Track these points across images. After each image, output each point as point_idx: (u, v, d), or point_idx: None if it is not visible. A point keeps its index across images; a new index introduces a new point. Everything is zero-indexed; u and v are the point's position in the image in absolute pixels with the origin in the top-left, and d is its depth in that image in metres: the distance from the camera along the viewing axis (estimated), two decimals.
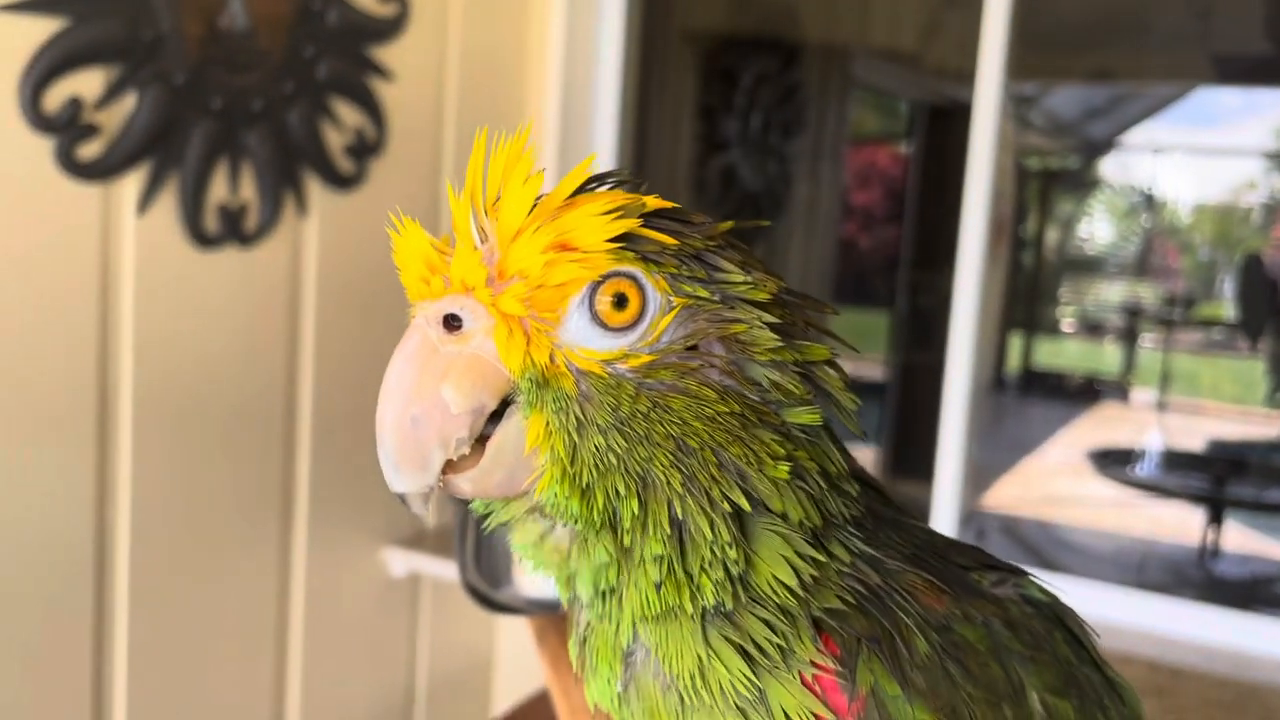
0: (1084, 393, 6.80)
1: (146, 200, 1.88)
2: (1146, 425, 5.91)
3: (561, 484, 0.54)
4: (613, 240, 0.53)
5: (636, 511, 0.54)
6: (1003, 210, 6.15)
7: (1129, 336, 6.62)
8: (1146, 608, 2.26)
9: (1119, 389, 6.70)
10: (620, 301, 0.54)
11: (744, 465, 0.55)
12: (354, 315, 2.24)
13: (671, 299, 0.54)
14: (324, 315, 2.20)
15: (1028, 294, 7.04)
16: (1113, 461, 5.21)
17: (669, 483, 0.54)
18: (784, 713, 0.55)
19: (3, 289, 1.71)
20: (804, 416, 0.56)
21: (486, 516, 0.60)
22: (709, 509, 0.54)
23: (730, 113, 3.47)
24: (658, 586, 0.54)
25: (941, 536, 0.65)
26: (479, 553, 1.31)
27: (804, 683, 0.55)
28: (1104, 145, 6.75)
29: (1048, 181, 6.86)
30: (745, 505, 0.55)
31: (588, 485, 0.53)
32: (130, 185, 1.86)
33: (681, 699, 0.57)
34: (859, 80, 4.37)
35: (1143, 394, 6.41)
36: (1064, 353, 7.21)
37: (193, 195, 1.94)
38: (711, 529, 0.54)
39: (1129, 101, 6.20)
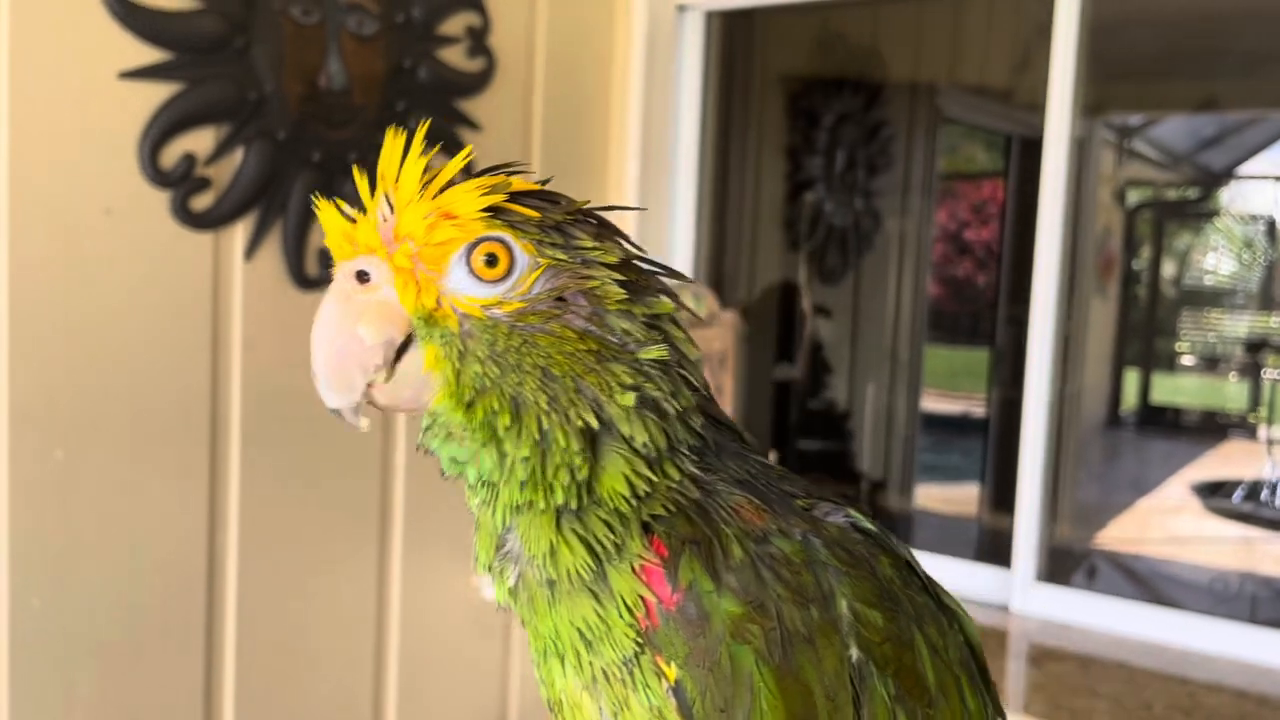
0: (1206, 429, 6.56)
1: (253, 246, 2.05)
2: (1271, 461, 5.67)
3: (449, 400, 0.67)
4: (486, 211, 0.67)
5: (509, 423, 0.67)
6: (1111, 245, 6.02)
7: (1253, 371, 6.37)
8: (1238, 637, 2.21)
9: (1243, 425, 6.44)
10: (492, 260, 0.67)
11: (599, 392, 0.68)
12: None
13: (538, 259, 0.68)
14: None
15: (1144, 329, 6.84)
16: (1223, 496, 5.02)
17: (537, 402, 0.67)
18: (621, 597, 0.68)
19: (126, 328, 1.90)
20: (653, 353, 0.69)
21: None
22: (566, 424, 0.67)
23: (814, 152, 3.54)
24: (522, 485, 0.68)
25: (779, 470, 0.75)
26: None
27: (634, 572, 0.68)
28: (1220, 175, 6.55)
29: (1161, 213, 6.68)
30: (594, 423, 0.68)
31: (470, 402, 0.67)
32: (239, 233, 2.04)
33: (552, 588, 0.70)
34: (948, 116, 4.39)
35: (1269, 430, 6.15)
36: (1183, 388, 6.97)
37: (295, 241, 2.11)
38: (566, 440, 0.67)
39: (1244, 130, 6.02)
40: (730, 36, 3.03)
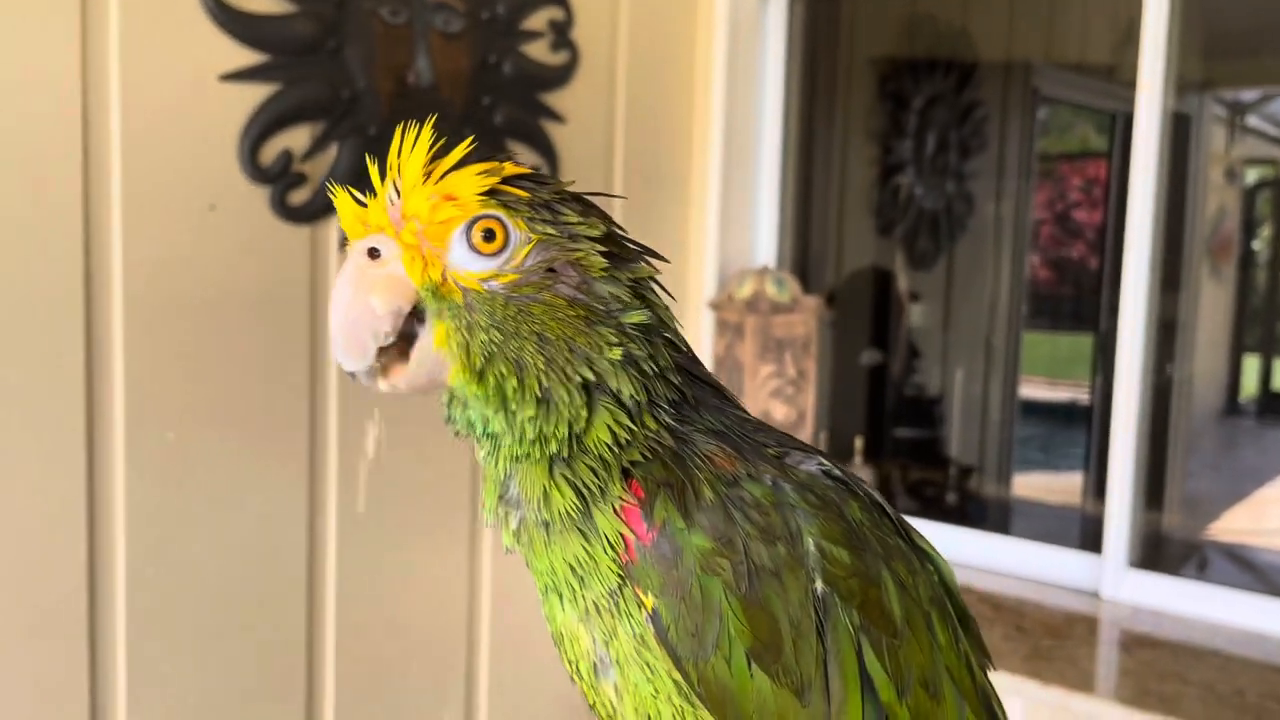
0: None
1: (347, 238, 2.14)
2: None
3: (464, 372, 0.74)
4: (483, 193, 0.73)
5: (516, 386, 0.74)
6: (1227, 226, 5.81)
7: None
8: None
9: None
10: (489, 235, 0.74)
11: (590, 351, 0.75)
12: None
13: (529, 235, 0.74)
14: None
15: (1264, 313, 6.56)
16: None
17: (535, 364, 0.74)
18: (605, 535, 0.74)
19: (230, 318, 2.01)
20: (635, 317, 0.76)
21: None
22: (566, 382, 0.74)
23: (903, 135, 3.51)
24: (525, 440, 0.75)
25: (756, 422, 0.81)
26: None
27: (616, 513, 0.74)
28: None
29: None
30: (591, 378, 0.75)
31: (481, 371, 0.74)
32: (334, 226, 2.13)
33: (547, 529, 0.76)
34: (1046, 95, 4.29)
35: None
36: None
37: None
38: (569, 396, 0.74)
39: None
40: (815, 21, 3.03)
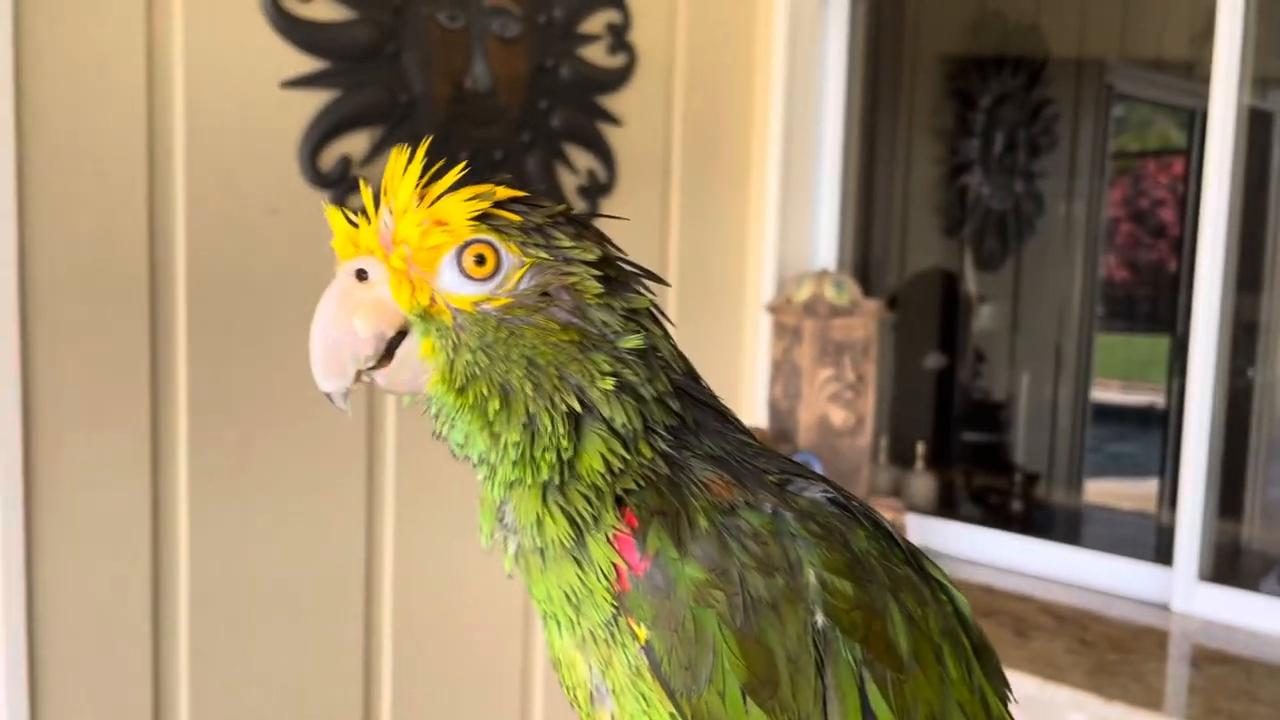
0: None
1: None
2: None
3: (442, 384, 0.74)
4: (474, 218, 0.72)
5: (498, 408, 0.73)
6: None
7: None
8: None
9: None
10: (480, 260, 0.73)
11: (581, 379, 0.73)
12: None
13: (522, 258, 0.73)
14: None
15: None
16: None
17: (522, 389, 0.73)
18: (599, 564, 0.73)
19: (289, 322, 2.04)
20: (631, 342, 0.75)
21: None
22: (551, 409, 0.73)
23: (970, 134, 3.44)
24: (513, 464, 0.74)
25: (757, 448, 0.79)
26: None
27: (609, 541, 0.73)
28: None
29: None
30: (579, 408, 0.73)
31: (461, 387, 0.73)
32: None
33: (542, 556, 0.75)
34: (1121, 92, 4.18)
35: None
36: None
37: None
38: (552, 424, 0.73)
39: None
40: (878, 18, 2.99)
